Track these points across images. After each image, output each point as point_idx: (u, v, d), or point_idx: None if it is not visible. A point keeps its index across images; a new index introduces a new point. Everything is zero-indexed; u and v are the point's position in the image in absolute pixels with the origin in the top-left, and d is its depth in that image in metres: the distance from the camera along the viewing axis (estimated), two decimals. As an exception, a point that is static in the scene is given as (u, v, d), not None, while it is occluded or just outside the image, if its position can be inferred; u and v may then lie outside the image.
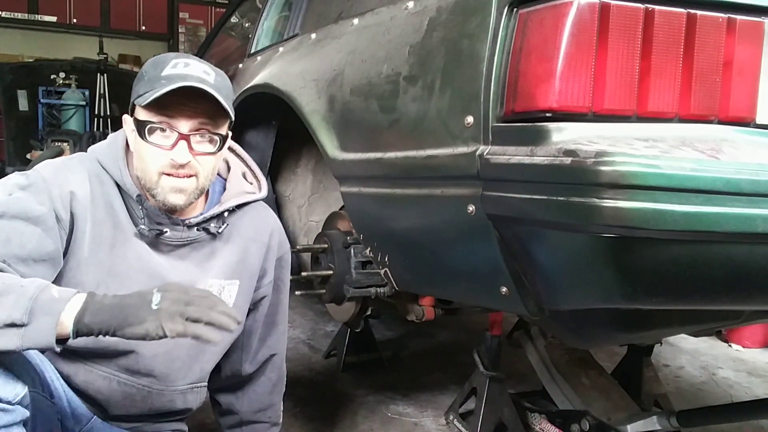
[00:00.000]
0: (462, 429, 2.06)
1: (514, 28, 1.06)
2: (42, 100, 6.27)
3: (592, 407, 1.94)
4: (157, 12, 7.91)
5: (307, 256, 2.08)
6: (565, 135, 0.97)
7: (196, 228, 1.25)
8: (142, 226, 1.20)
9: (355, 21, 1.58)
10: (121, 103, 6.11)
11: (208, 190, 1.30)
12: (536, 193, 0.98)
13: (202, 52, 3.73)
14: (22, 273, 1.06)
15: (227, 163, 1.37)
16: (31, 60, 6.92)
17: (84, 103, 6.39)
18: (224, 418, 1.52)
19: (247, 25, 3.19)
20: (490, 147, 1.07)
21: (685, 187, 0.89)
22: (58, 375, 1.21)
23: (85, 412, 1.26)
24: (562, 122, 0.98)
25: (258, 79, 2.09)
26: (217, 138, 1.19)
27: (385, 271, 1.50)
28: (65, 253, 1.15)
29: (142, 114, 1.16)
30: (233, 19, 3.45)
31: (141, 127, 1.15)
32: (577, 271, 1.05)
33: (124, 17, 7.71)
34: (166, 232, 1.22)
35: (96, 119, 6.37)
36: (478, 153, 1.07)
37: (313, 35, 1.86)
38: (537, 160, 0.97)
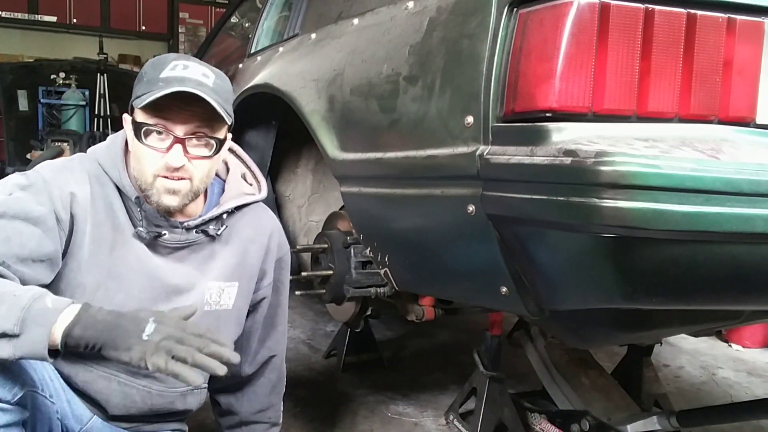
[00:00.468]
0: (462, 429, 2.06)
1: (514, 28, 1.06)
2: (42, 100, 6.27)
3: (592, 407, 1.94)
4: (157, 12, 7.91)
5: (307, 256, 2.08)
6: (565, 135, 0.97)
7: (194, 230, 1.25)
8: (141, 228, 1.20)
9: (355, 21, 1.58)
10: (121, 103, 6.11)
11: (206, 192, 1.30)
12: (536, 193, 0.98)
13: (202, 52, 3.72)
14: (21, 273, 1.06)
15: (226, 164, 1.37)
16: (31, 60, 6.91)
17: (84, 103, 6.39)
18: (224, 419, 1.51)
19: (247, 25, 3.19)
20: (490, 147, 1.07)
21: (685, 187, 0.89)
22: (58, 375, 1.21)
23: (85, 412, 1.26)
24: (562, 122, 0.98)
25: (258, 79, 2.09)
26: (213, 142, 1.19)
27: (385, 271, 1.50)
28: (65, 254, 1.15)
29: (139, 115, 1.16)
30: (233, 19, 3.45)
31: (137, 128, 1.15)
32: (577, 271, 1.05)
33: (124, 17, 7.71)
34: (165, 234, 1.22)
35: (96, 119, 6.36)
36: (478, 153, 1.07)
37: (313, 35, 1.86)
38: (537, 160, 0.97)
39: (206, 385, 1.40)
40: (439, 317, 1.85)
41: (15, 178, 1.14)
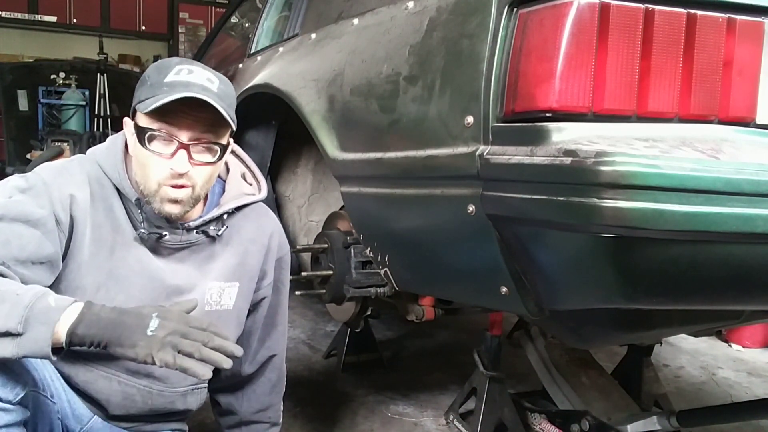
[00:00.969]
0: (462, 429, 2.06)
1: (514, 28, 1.06)
2: (42, 100, 6.27)
3: (592, 407, 1.94)
4: (157, 12, 7.91)
5: (307, 256, 2.08)
6: (565, 135, 0.97)
7: (195, 231, 1.25)
8: (142, 230, 1.20)
9: (355, 21, 1.58)
10: (122, 103, 6.12)
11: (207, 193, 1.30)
12: (536, 193, 0.98)
13: (202, 52, 3.73)
14: (21, 275, 1.06)
15: (226, 164, 1.37)
16: (31, 60, 6.91)
17: (84, 103, 6.38)
18: (224, 418, 1.51)
19: (247, 25, 3.19)
20: (490, 147, 1.07)
21: (685, 187, 0.89)
22: (59, 375, 1.21)
23: (86, 411, 1.26)
24: (562, 122, 0.98)
25: (258, 79, 2.09)
26: (217, 148, 1.18)
27: (385, 271, 1.50)
28: (65, 256, 1.15)
29: (143, 120, 1.15)
30: (233, 19, 3.45)
31: (141, 133, 1.14)
32: (577, 271, 1.05)
33: (124, 17, 7.71)
34: (166, 235, 1.22)
35: (96, 119, 6.36)
36: (478, 153, 1.07)
37: (313, 35, 1.86)
38: (537, 160, 0.97)
39: (206, 384, 1.40)
40: (439, 317, 1.85)
41: (14, 181, 1.14)
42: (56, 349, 0.97)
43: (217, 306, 1.31)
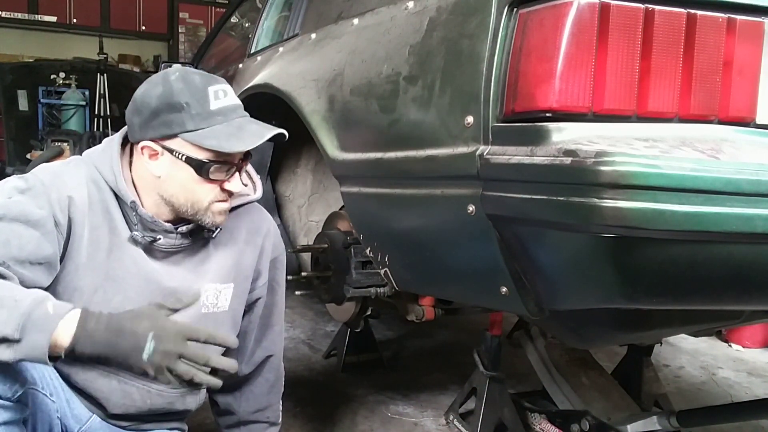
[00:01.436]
0: (462, 429, 2.06)
1: (514, 28, 1.06)
2: (42, 100, 6.27)
3: (592, 407, 1.94)
4: (157, 12, 7.91)
5: (307, 256, 2.08)
6: (565, 135, 0.97)
7: (189, 234, 1.25)
8: (136, 233, 1.20)
9: (355, 21, 1.58)
10: (121, 103, 6.11)
11: None
12: (536, 193, 0.98)
13: (202, 52, 3.73)
14: (20, 275, 1.06)
15: None
16: (31, 60, 6.92)
17: (84, 103, 6.39)
18: (222, 419, 1.51)
19: (247, 25, 3.19)
20: (490, 147, 1.07)
21: (685, 187, 0.89)
22: (57, 374, 1.21)
23: (84, 411, 1.26)
24: (562, 122, 0.98)
25: (258, 79, 2.09)
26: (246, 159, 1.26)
27: (385, 271, 1.50)
28: (63, 258, 1.15)
29: (194, 151, 1.16)
30: (233, 19, 3.45)
31: (201, 166, 1.17)
32: (577, 271, 1.05)
33: (124, 17, 7.71)
34: (160, 239, 1.22)
35: (96, 119, 6.37)
36: (478, 153, 1.07)
37: (313, 35, 1.86)
38: (537, 160, 0.97)
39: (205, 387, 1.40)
40: (439, 317, 1.85)
41: (13, 182, 1.14)
42: (52, 357, 0.97)
43: (213, 308, 1.31)
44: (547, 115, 0.99)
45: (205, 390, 1.41)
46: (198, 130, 1.14)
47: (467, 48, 1.12)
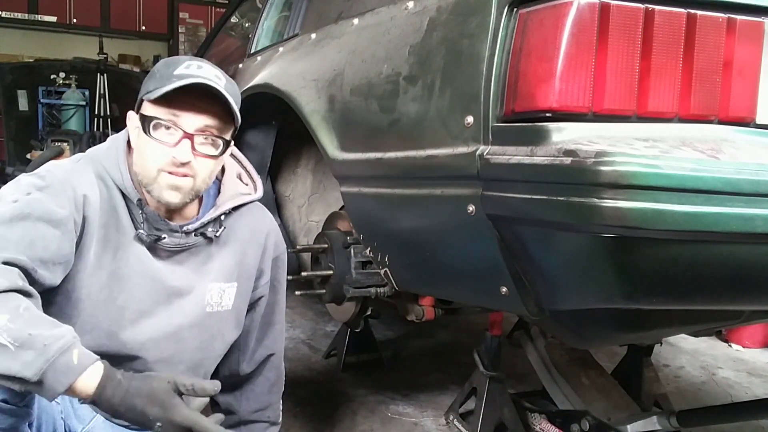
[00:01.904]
0: (462, 429, 2.06)
1: (514, 28, 1.06)
2: (42, 100, 6.26)
3: (592, 407, 1.94)
4: (157, 12, 7.91)
5: (307, 256, 2.08)
6: (565, 135, 0.97)
7: (193, 233, 1.25)
8: (141, 231, 1.20)
9: (355, 21, 1.58)
10: (122, 103, 6.11)
11: (202, 194, 1.30)
12: (536, 193, 0.98)
13: (202, 52, 3.73)
14: (42, 277, 1.06)
15: (222, 165, 1.36)
16: (31, 60, 6.91)
17: (84, 103, 6.38)
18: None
19: (247, 25, 3.19)
20: (490, 147, 1.07)
21: (685, 187, 0.89)
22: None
23: (88, 411, 1.26)
24: (562, 122, 0.98)
25: (258, 79, 2.09)
26: (220, 142, 1.19)
27: (385, 271, 1.50)
28: (74, 255, 1.15)
29: (149, 109, 1.16)
30: (233, 19, 3.45)
31: (146, 122, 1.15)
32: (577, 271, 1.05)
33: (124, 17, 7.70)
34: (164, 238, 1.22)
35: (96, 119, 6.35)
36: (478, 153, 1.07)
37: (313, 35, 1.86)
38: (537, 160, 0.97)
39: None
40: (439, 317, 1.85)
41: (29, 179, 1.14)
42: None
43: (218, 307, 1.31)
44: (547, 115, 0.99)
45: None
46: (153, 90, 1.13)
47: (467, 48, 1.12)
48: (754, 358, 3.07)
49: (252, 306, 1.42)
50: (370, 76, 1.41)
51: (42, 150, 5.39)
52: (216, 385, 1.08)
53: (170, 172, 1.16)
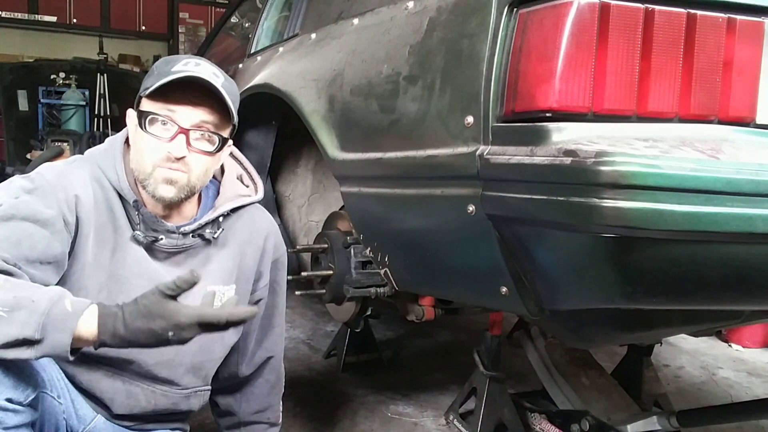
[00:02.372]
0: (462, 429, 2.06)
1: (514, 28, 1.06)
2: (42, 100, 6.26)
3: (592, 407, 1.94)
4: (157, 12, 7.91)
5: (307, 256, 2.08)
6: (565, 135, 0.97)
7: (191, 235, 1.25)
8: (138, 232, 1.20)
9: (355, 21, 1.58)
10: (121, 103, 6.11)
11: (201, 195, 1.29)
12: (536, 193, 0.98)
13: (202, 52, 3.73)
14: (30, 275, 1.06)
15: (222, 166, 1.36)
16: (31, 60, 6.90)
17: (84, 103, 6.38)
18: (223, 419, 1.51)
19: (247, 25, 3.19)
20: (490, 147, 1.07)
21: (685, 187, 0.89)
22: (63, 374, 1.21)
23: (89, 411, 1.26)
24: (562, 122, 0.98)
25: (258, 79, 2.09)
26: (216, 138, 1.19)
27: (385, 271, 1.50)
28: (69, 257, 1.15)
29: (146, 105, 1.16)
30: (233, 19, 3.45)
31: (143, 117, 1.15)
32: (577, 271, 1.05)
33: (124, 17, 7.70)
34: (162, 239, 1.22)
35: (96, 119, 6.35)
36: (478, 153, 1.07)
37: (313, 35, 1.86)
38: (537, 160, 0.97)
39: (210, 386, 1.40)
40: (439, 317, 1.85)
41: (19, 182, 1.14)
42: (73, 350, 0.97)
43: None
44: (547, 115, 0.99)
45: (209, 391, 1.41)
46: (151, 86, 1.14)
47: (467, 48, 1.12)
48: (754, 358, 3.07)
49: (251, 308, 1.41)
50: (370, 76, 1.41)
51: (42, 150, 5.39)
52: (195, 273, 1.03)
53: (164, 167, 1.16)
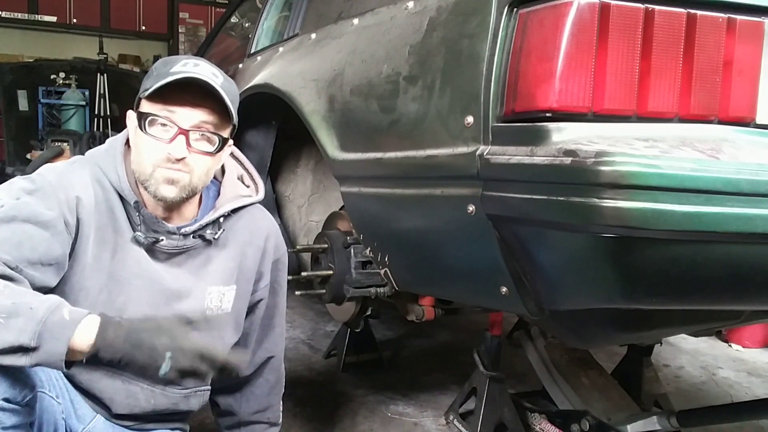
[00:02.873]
0: (462, 429, 2.06)
1: (514, 28, 1.06)
2: (42, 100, 6.26)
3: (592, 407, 1.94)
4: (157, 12, 7.91)
5: (307, 256, 2.08)
6: (565, 135, 0.97)
7: (191, 236, 1.25)
8: (139, 233, 1.20)
9: (355, 21, 1.58)
10: (121, 103, 6.11)
11: (201, 196, 1.29)
12: (536, 193, 0.98)
13: (202, 52, 3.73)
14: (31, 276, 1.06)
15: (222, 166, 1.36)
16: (31, 60, 6.91)
17: (84, 103, 6.38)
18: (223, 419, 1.51)
19: (247, 25, 3.19)
20: (490, 147, 1.07)
21: (685, 187, 0.89)
22: (62, 374, 1.21)
23: (88, 411, 1.26)
24: (562, 122, 0.98)
25: (258, 79, 2.09)
26: (216, 138, 1.19)
27: (385, 271, 1.50)
28: (70, 258, 1.15)
29: (145, 106, 1.16)
30: (233, 19, 3.45)
31: (142, 118, 1.15)
32: (577, 271, 1.05)
33: (124, 17, 7.71)
34: (162, 240, 1.22)
35: (96, 119, 6.35)
36: (478, 153, 1.07)
37: (313, 35, 1.86)
38: (537, 160, 0.97)
39: (209, 386, 1.40)
40: (439, 317, 1.85)
41: (20, 183, 1.14)
42: (68, 361, 0.97)
43: (217, 310, 1.31)
44: (547, 115, 0.99)
45: (209, 391, 1.41)
46: (150, 87, 1.14)
47: (467, 48, 1.12)
48: (754, 358, 3.07)
49: (251, 309, 1.41)
50: (370, 76, 1.41)
51: (42, 150, 5.39)
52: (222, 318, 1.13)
53: (165, 168, 1.16)
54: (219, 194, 1.32)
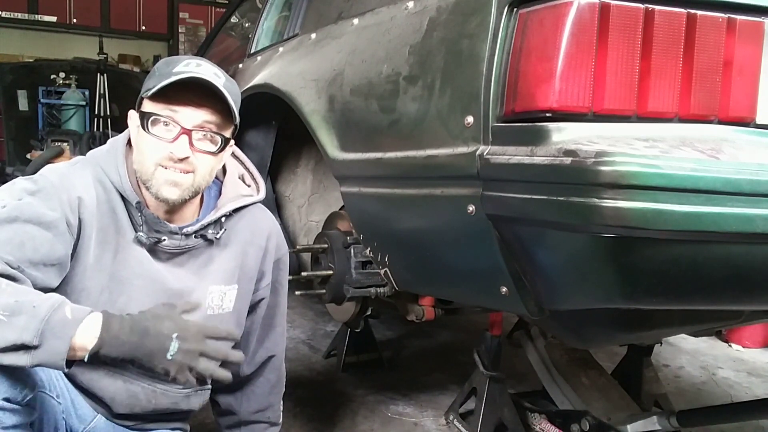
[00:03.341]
0: (462, 429, 2.06)
1: (514, 28, 1.06)
2: (42, 100, 6.26)
3: (592, 407, 1.94)
4: (157, 12, 7.91)
5: (307, 256, 2.08)
6: (565, 135, 0.97)
7: (193, 236, 1.25)
8: (141, 233, 1.20)
9: (355, 21, 1.58)
10: (121, 103, 6.11)
11: (203, 195, 1.29)
12: (536, 193, 0.98)
13: (202, 52, 3.73)
14: (33, 277, 1.06)
15: (224, 166, 1.36)
16: (31, 60, 6.91)
17: (84, 103, 6.38)
18: (223, 419, 1.52)
19: (247, 25, 3.19)
20: (490, 147, 1.07)
21: (685, 187, 0.89)
22: (62, 374, 1.21)
23: (89, 411, 1.26)
24: (562, 122, 0.98)
25: (258, 79, 2.09)
26: (219, 138, 1.19)
27: (385, 271, 1.50)
28: (72, 258, 1.15)
29: (148, 106, 1.17)
30: (233, 19, 3.45)
31: (145, 118, 1.15)
32: (577, 271, 1.05)
33: (124, 17, 7.70)
34: (164, 240, 1.22)
35: (96, 119, 6.35)
36: (478, 153, 1.07)
37: (313, 35, 1.86)
38: (537, 160, 0.97)
39: (210, 386, 1.40)
40: (439, 317, 1.85)
41: (22, 183, 1.14)
42: (69, 361, 0.98)
43: (219, 310, 1.31)
44: (547, 115, 0.99)
45: (209, 391, 1.41)
46: (152, 87, 1.14)
47: (467, 48, 1.12)
48: (754, 358, 3.07)
49: (253, 308, 1.42)
50: (370, 76, 1.41)
51: (42, 150, 5.38)
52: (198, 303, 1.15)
53: (168, 167, 1.16)
54: (220, 194, 1.32)
